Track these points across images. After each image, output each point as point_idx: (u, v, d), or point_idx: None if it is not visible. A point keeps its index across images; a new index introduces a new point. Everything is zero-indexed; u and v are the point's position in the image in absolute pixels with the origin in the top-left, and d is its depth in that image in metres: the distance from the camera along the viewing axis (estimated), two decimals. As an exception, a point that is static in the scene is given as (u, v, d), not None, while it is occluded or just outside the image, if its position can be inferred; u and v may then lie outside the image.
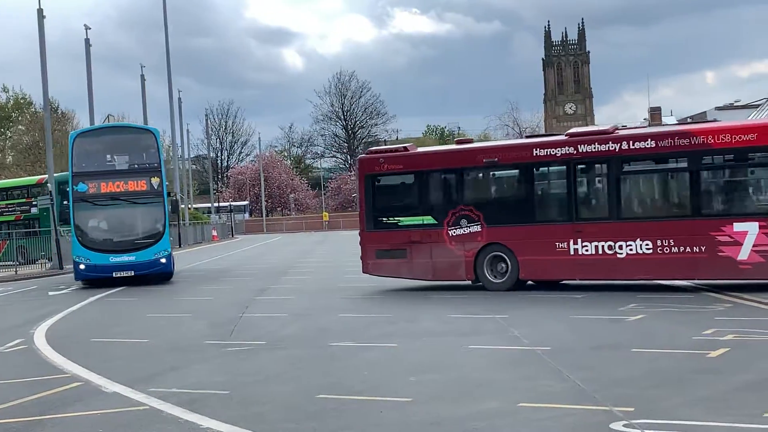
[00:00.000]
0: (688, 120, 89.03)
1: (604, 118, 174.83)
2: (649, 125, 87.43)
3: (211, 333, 15.90)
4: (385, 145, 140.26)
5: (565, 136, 20.00)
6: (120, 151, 29.29)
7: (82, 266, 28.05)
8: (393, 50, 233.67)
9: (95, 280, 28.46)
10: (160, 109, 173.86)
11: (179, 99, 78.50)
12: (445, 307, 18.05)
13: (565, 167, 19.69)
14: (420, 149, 22.76)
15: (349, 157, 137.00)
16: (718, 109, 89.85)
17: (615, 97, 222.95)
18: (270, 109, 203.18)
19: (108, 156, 29.11)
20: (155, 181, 28.41)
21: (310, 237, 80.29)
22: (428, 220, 21.45)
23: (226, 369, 12.14)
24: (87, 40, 46.29)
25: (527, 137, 22.79)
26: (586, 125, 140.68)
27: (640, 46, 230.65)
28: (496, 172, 21.09)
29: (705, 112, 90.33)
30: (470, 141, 23.54)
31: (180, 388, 10.76)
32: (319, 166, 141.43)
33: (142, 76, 62.43)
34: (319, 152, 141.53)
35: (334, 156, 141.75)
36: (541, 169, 20.25)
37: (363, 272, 22.58)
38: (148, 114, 58.79)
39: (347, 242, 60.25)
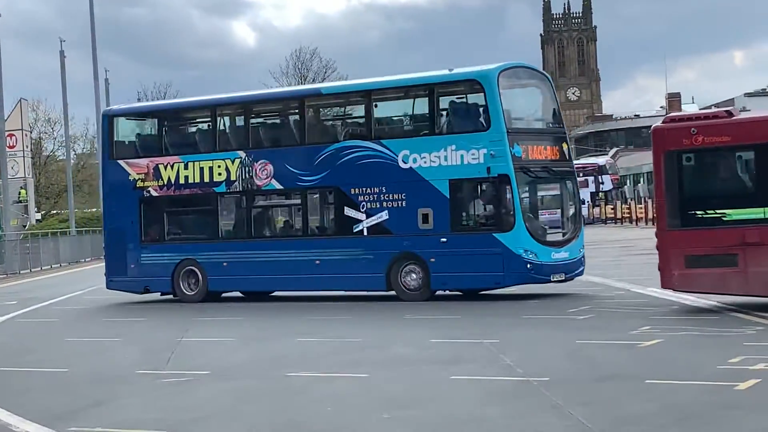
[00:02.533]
0: (713, 108, 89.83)
1: (613, 104, 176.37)
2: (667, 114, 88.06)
3: (144, 361, 15.83)
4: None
5: None
6: (529, 103, 25.22)
7: (529, 265, 22.38)
8: (364, 23, 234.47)
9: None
10: (83, 91, 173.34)
11: (106, 80, 78.06)
12: (424, 329, 18.09)
13: None
14: (750, 114, 19.67)
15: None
16: (748, 95, 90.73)
17: (626, 80, 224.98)
18: (216, 93, 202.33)
19: (527, 109, 24.89)
20: (565, 147, 24.38)
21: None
22: None
23: (162, 404, 12.09)
24: (-5, 9, 45.99)
25: None
26: (593, 113, 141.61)
27: (656, 20, 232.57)
28: None
29: (733, 98, 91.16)
30: None
31: (106, 427, 10.70)
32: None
33: (62, 52, 62.17)
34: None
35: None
36: None
37: (663, 287, 19.61)
38: (68, 98, 58.54)
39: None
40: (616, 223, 64.22)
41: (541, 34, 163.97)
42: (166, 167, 26.21)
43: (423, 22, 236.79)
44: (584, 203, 74.73)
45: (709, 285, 18.95)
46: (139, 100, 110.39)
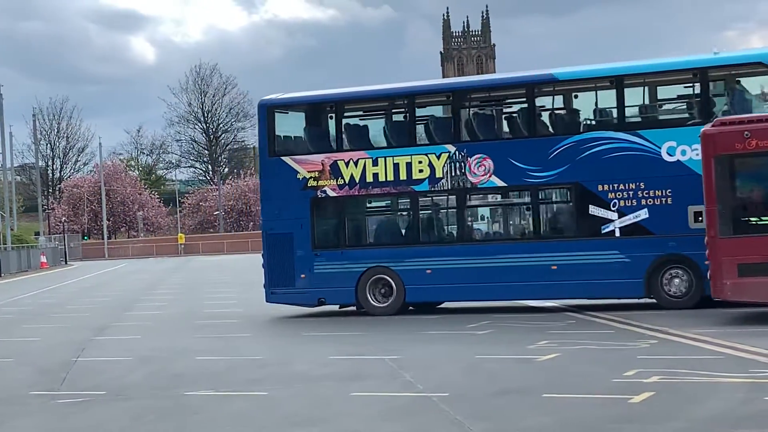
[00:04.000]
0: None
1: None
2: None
3: (38, 381, 15.52)
4: (254, 152, 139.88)
5: None
6: None
7: None
8: (265, 39, 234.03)
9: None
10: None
11: (0, 94, 76.75)
12: (325, 346, 18.07)
13: None
14: None
15: (210, 167, 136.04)
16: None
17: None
18: (114, 109, 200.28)
19: None
20: None
21: (161, 263, 79.25)
22: None
23: (56, 425, 11.88)
24: None
25: None
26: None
27: (553, 38, 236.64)
28: None
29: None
30: None
31: (-3, 450, 10.46)
32: (173, 178, 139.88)
33: (-46, 65, 60.75)
34: (173, 161, 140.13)
35: (192, 166, 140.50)
36: None
37: (715, 296, 18.91)
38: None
39: (207, 270, 59.68)
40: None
41: (441, 52, 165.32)
42: (347, 164, 23.20)
43: (324, 38, 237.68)
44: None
45: (764, 294, 18.35)
46: (34, 116, 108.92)
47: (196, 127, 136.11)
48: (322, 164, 23.34)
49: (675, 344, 16.08)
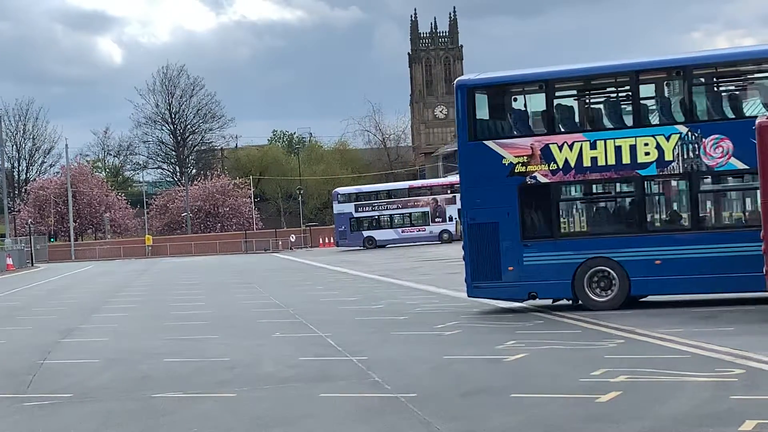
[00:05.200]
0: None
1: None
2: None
3: (4, 384, 15.42)
4: (222, 153, 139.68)
5: None
6: None
7: None
8: (233, 40, 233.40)
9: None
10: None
11: (-35, 96, 76.42)
12: (293, 347, 18.05)
13: None
14: None
15: (177, 168, 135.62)
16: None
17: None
18: (80, 110, 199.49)
19: None
20: None
21: (129, 265, 78.88)
22: None
23: (23, 428, 11.83)
24: None
25: None
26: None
27: (520, 39, 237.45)
28: None
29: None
30: None
31: (-37, 454, 10.39)
32: (141, 180, 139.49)
33: None
34: (141, 162, 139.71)
35: (159, 167, 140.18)
36: None
37: None
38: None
39: (175, 271, 59.46)
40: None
41: (408, 53, 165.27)
42: (561, 147, 21.42)
43: (292, 39, 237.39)
44: (452, 220, 75.92)
45: None
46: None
47: (164, 128, 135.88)
48: (532, 148, 21.70)
49: (642, 344, 16.18)
